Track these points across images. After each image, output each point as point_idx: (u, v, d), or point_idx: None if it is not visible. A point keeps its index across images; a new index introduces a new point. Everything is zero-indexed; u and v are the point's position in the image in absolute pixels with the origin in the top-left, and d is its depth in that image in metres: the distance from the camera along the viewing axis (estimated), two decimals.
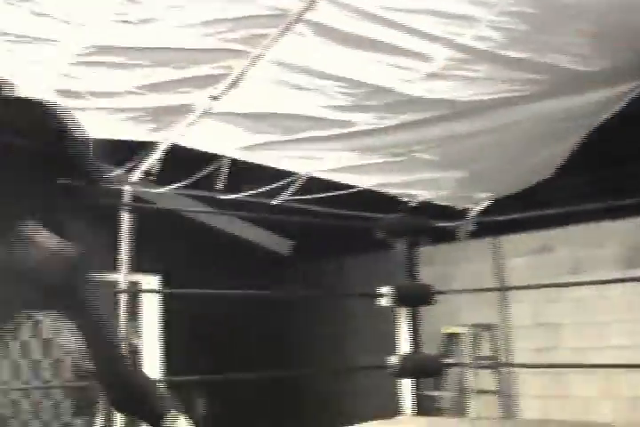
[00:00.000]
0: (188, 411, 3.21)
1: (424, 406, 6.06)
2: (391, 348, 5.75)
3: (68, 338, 3.11)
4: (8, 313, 3.07)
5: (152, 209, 7.32)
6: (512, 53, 4.84)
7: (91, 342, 3.09)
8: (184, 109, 5.30)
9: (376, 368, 6.40)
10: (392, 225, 5.85)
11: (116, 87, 4.94)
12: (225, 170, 5.82)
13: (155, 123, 5.38)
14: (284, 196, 6.16)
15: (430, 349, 7.19)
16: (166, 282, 8.82)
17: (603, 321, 7.54)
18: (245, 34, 4.64)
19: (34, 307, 3.14)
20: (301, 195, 6.15)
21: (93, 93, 4.91)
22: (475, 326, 8.18)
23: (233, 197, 6.09)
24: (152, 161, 5.71)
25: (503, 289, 8.14)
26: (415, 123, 5.64)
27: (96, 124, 5.27)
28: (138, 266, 5.85)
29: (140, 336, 8.85)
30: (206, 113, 5.34)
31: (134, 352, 7.93)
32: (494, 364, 8.24)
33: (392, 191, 6.61)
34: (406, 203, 6.69)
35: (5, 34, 4.28)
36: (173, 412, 3.14)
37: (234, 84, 5.10)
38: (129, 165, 5.72)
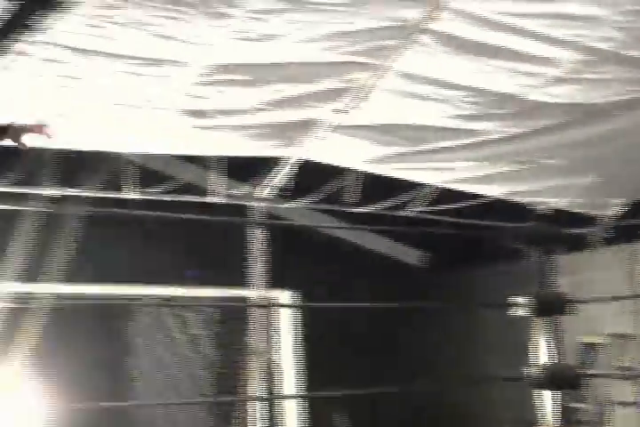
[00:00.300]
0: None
1: (564, 418, 5.93)
2: (524, 359, 5.65)
3: None
4: None
5: (282, 225, 7.41)
6: (637, 53, 4.74)
7: None
8: (310, 124, 5.38)
9: (514, 380, 6.29)
10: (526, 234, 5.78)
11: (242, 104, 5.05)
12: (353, 183, 5.86)
13: (281, 138, 5.48)
14: (414, 207, 6.16)
15: (566, 359, 7.03)
16: (303, 297, 8.89)
17: None
18: (369, 46, 4.69)
19: None
20: (429, 206, 6.14)
21: (220, 111, 5.03)
22: (612, 335, 7.96)
23: (363, 210, 6.12)
24: (281, 177, 5.80)
25: None
26: (542, 129, 5.57)
27: (222, 141, 5.43)
28: (272, 281, 5.91)
29: (278, 352, 8.94)
30: (332, 126, 5.40)
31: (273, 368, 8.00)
32: (636, 375, 8.01)
33: (522, 200, 6.54)
34: (534, 211, 6.59)
35: (132, 57, 4.42)
36: None
37: (360, 97, 5.15)
38: (257, 181, 5.82)
